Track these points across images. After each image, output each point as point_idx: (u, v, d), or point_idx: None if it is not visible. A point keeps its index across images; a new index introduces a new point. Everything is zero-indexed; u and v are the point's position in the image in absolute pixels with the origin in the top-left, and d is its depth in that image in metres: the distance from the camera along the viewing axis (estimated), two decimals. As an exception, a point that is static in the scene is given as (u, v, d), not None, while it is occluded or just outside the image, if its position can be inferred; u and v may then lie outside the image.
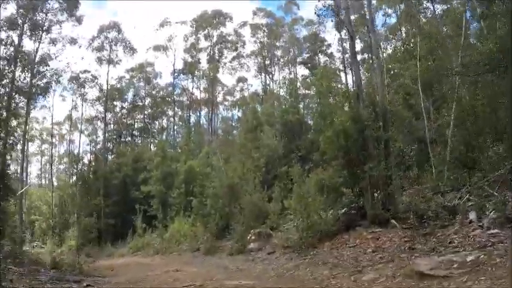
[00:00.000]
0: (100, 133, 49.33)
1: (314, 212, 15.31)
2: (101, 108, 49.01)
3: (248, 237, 19.00)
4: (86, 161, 48.90)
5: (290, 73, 50.89)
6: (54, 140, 60.71)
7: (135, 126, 55.89)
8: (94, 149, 49.75)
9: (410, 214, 13.55)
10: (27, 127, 56.30)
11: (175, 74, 53.76)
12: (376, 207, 14.68)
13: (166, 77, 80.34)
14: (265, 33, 52.35)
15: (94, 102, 50.93)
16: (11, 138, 34.35)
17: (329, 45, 50.34)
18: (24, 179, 55.99)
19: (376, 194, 15.46)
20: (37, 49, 39.03)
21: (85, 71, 49.05)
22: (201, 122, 55.24)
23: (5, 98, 26.93)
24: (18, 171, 42.62)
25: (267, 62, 52.08)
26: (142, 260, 24.21)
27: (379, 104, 16.76)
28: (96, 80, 49.12)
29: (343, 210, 16.29)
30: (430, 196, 14.00)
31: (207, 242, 21.85)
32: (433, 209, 13.22)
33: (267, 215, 20.41)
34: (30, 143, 59.19)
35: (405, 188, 18.13)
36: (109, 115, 52.24)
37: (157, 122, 56.99)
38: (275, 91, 46.56)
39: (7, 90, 28.96)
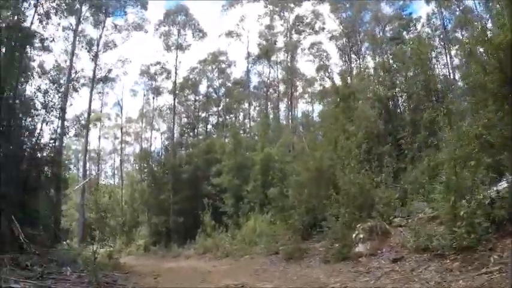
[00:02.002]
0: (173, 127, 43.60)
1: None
2: (173, 100, 43.54)
3: (354, 236, 11.91)
4: (156, 155, 44.05)
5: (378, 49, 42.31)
6: (129, 139, 57.59)
7: (210, 119, 50.15)
8: (167, 143, 44.39)
9: None
10: (101, 124, 54.61)
11: (250, 59, 46.78)
12: None
13: (241, 66, 73.34)
14: (347, 7, 44.10)
15: (165, 93, 47.00)
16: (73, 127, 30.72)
17: (419, 18, 41.77)
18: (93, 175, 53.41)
19: None
20: (100, 35, 34.93)
21: (157, 63, 45.01)
22: (279, 115, 47.77)
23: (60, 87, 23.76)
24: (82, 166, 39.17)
25: (350, 44, 43.72)
26: (203, 265, 18.31)
27: None
28: (166, 71, 44.39)
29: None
30: None
31: (290, 243, 15.07)
32: None
33: (372, 204, 13.18)
34: (104, 141, 58.06)
35: None
36: (181, 108, 47.63)
37: (232, 116, 50.47)
38: (363, 69, 38.33)
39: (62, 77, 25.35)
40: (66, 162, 33.41)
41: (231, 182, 28.35)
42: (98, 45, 34.95)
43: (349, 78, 35.67)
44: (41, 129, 22.11)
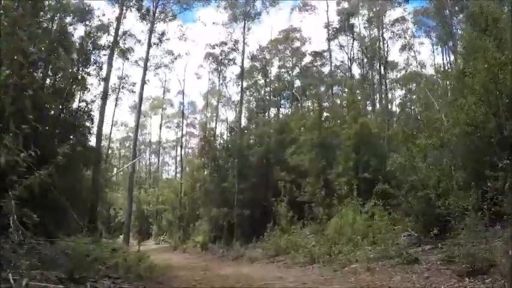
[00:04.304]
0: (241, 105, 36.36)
1: None
2: (240, 74, 36.22)
3: None
4: (220, 138, 39.13)
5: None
6: (194, 131, 52.56)
7: (282, 102, 43.35)
8: (232, 124, 38.37)
9: None
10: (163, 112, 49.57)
11: (330, 31, 38.07)
12: None
13: (316, 43, 65.77)
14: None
15: (233, 67, 39.48)
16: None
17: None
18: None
19: None
20: (156, 5, 28.47)
21: (222, 43, 37.61)
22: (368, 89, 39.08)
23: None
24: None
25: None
26: (281, 277, 10.93)
27: None
28: (234, 44, 36.96)
29: None
30: None
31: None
32: None
33: None
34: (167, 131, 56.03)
35: None
36: (250, 92, 40.75)
37: (307, 99, 42.51)
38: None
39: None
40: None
41: (314, 162, 21.27)
42: (154, 14, 28.35)
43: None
44: (69, 89, 15.73)
